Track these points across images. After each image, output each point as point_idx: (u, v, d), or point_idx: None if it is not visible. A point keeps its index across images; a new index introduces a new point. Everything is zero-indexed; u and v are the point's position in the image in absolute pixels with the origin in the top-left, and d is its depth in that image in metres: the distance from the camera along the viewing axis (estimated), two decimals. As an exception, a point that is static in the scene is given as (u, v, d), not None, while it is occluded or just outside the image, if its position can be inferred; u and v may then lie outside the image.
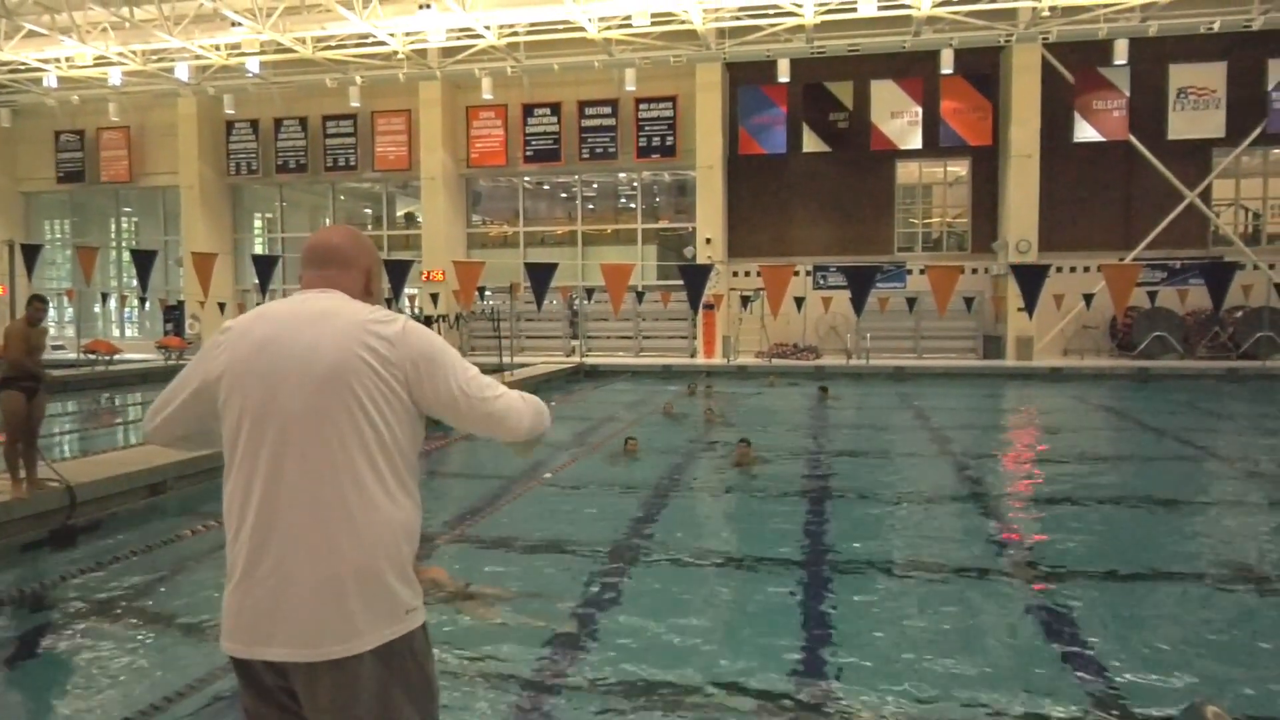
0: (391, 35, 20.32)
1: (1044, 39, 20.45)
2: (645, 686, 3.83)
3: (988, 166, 22.25)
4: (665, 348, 23.90)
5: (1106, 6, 18.90)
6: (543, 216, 26.62)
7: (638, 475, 8.75)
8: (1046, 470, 9.15)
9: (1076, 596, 5.00)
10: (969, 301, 21.67)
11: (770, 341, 22.41)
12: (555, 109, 23.64)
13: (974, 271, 21.71)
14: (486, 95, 22.59)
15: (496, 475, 8.72)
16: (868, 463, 9.82)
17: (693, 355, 23.11)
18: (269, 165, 25.73)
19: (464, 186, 25.48)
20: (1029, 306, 13.77)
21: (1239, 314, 20.42)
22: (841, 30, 20.51)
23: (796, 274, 18.78)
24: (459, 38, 20.69)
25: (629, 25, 19.74)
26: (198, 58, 21.84)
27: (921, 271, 19.85)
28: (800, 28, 20.00)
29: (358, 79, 22.95)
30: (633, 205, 25.19)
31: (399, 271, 14.94)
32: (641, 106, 22.99)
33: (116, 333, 28.34)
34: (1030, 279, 13.29)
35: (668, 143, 23.03)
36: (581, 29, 19.77)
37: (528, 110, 23.81)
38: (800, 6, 18.76)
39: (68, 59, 22.00)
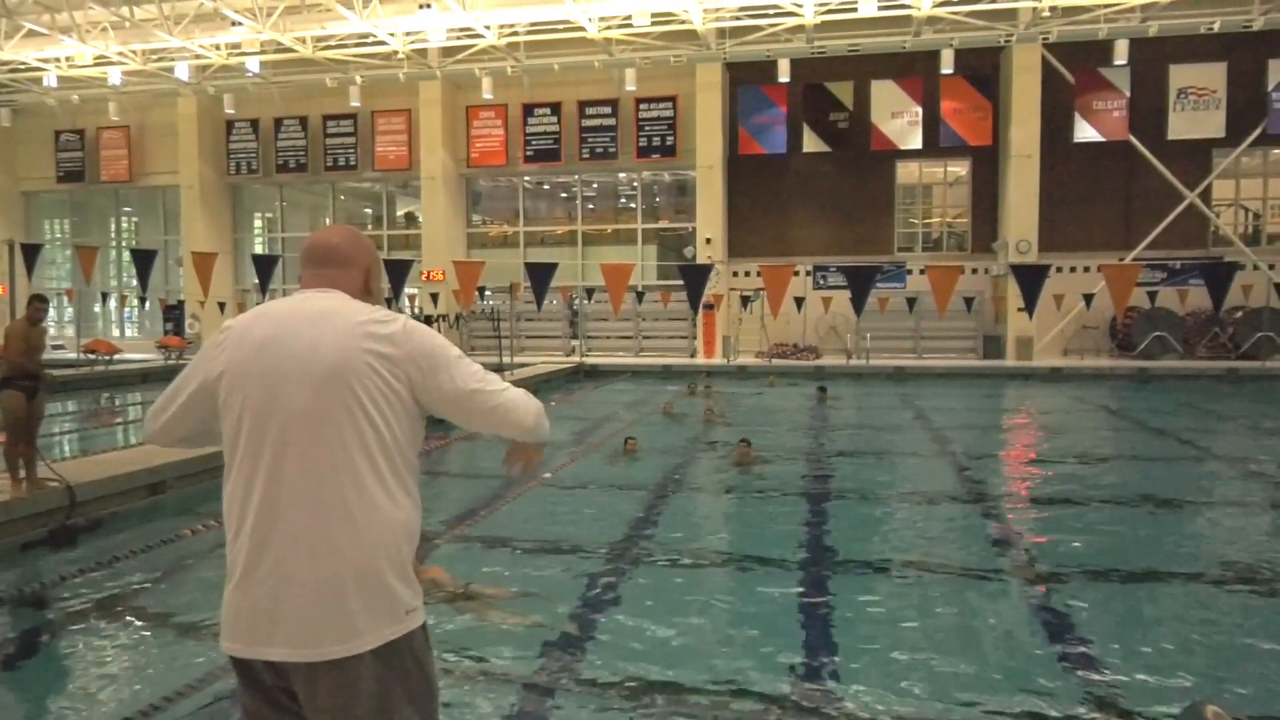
0: (391, 35, 20.32)
1: (1044, 39, 20.44)
2: (645, 686, 3.82)
3: (988, 167, 22.25)
4: (665, 348, 23.90)
5: (1106, 7, 18.89)
6: (543, 216, 26.61)
7: (637, 475, 8.74)
8: (1046, 470, 9.14)
9: (1076, 597, 5.00)
10: (969, 302, 21.67)
11: (770, 341, 22.41)
12: (555, 109, 23.64)
13: (974, 272, 21.71)
14: (486, 95, 22.60)
15: (496, 475, 8.68)
16: (867, 463, 9.81)
17: (693, 355, 23.11)
18: (269, 165, 25.73)
19: (464, 186, 25.47)
20: (1029, 306, 13.80)
21: (1239, 314, 20.42)
22: (842, 30, 20.51)
23: (796, 274, 18.81)
24: (459, 37, 20.68)
25: (629, 25, 19.75)
26: (198, 57, 21.84)
27: (921, 271, 19.87)
28: (800, 28, 19.99)
29: (358, 79, 22.95)
30: (633, 205, 25.19)
31: (399, 271, 14.95)
32: (641, 106, 22.99)
33: (116, 332, 28.33)
34: (1030, 279, 13.33)
35: (668, 143, 23.02)
36: (581, 29, 19.77)
37: (528, 110, 23.81)
38: (800, 6, 18.75)
39: (68, 58, 22.00)
